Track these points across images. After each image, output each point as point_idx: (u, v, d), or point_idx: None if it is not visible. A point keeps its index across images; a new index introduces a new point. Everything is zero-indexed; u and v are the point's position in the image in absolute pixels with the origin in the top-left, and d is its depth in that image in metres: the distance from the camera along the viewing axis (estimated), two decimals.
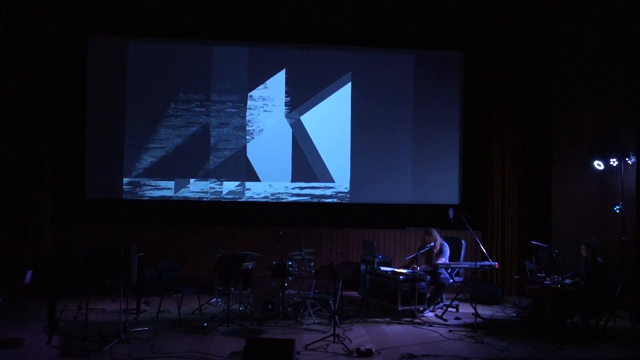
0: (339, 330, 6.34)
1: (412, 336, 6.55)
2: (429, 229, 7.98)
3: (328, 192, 9.66)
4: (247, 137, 9.54)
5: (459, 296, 7.80)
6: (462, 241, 8.29)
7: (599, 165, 8.48)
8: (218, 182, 9.46)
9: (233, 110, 9.52)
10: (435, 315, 7.54)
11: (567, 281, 7.13)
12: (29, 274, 6.06)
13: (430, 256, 7.89)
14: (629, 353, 6.15)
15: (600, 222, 8.71)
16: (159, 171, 9.35)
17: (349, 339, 6.20)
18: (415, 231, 9.51)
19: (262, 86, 9.57)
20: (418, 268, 7.68)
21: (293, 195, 9.58)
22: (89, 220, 8.31)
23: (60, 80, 9.03)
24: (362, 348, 5.79)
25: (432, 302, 7.76)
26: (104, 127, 9.25)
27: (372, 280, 7.98)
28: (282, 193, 9.57)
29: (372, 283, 7.97)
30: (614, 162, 8.20)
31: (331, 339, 6.05)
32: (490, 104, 9.65)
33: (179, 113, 9.41)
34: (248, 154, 9.53)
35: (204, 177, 9.43)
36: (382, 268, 8.04)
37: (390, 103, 9.79)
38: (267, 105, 9.59)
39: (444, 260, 7.82)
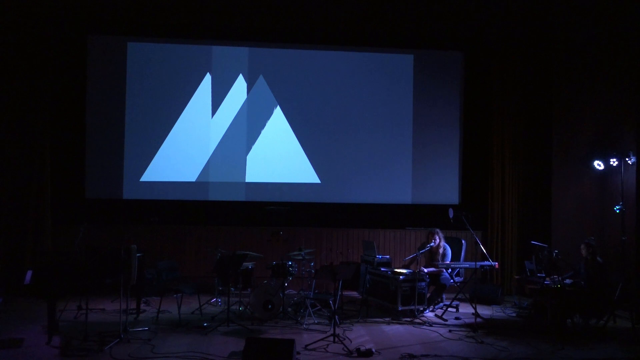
0: (339, 330, 6.34)
1: (412, 336, 6.55)
2: (434, 229, 7.97)
3: (328, 191, 9.65)
4: (247, 136, 9.54)
5: (459, 296, 7.80)
6: (462, 241, 8.29)
7: (599, 165, 8.48)
8: (218, 182, 9.46)
9: (233, 110, 9.52)
10: (435, 315, 7.54)
11: (567, 281, 7.12)
12: (29, 273, 6.06)
13: (434, 257, 7.88)
14: (629, 353, 6.15)
15: (600, 222, 8.71)
16: (159, 171, 9.35)
17: (349, 339, 6.20)
18: (415, 231, 9.52)
19: (261, 86, 9.57)
20: (425, 270, 7.69)
21: (292, 194, 9.57)
22: (89, 220, 8.30)
23: (60, 80, 9.04)
24: (362, 348, 5.79)
25: (432, 302, 7.75)
26: (104, 127, 9.25)
27: (372, 280, 7.98)
28: (281, 192, 9.56)
29: (372, 283, 7.97)
30: (614, 162, 8.19)
31: (331, 339, 6.05)
32: (490, 104, 9.66)
33: (179, 113, 9.40)
34: (248, 154, 9.53)
35: (204, 177, 9.43)
36: (382, 268, 8.05)
37: (390, 103, 9.79)
38: (267, 105, 9.58)
39: (446, 263, 7.82)
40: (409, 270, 7.73)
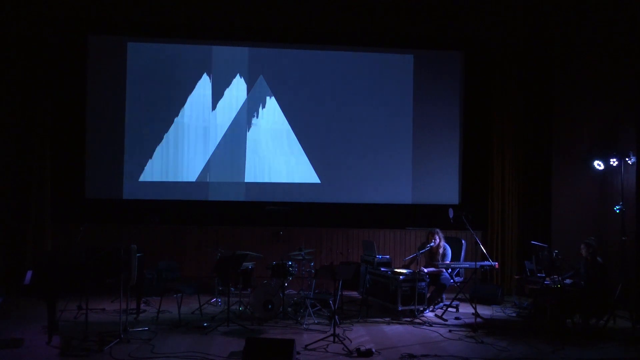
0: (339, 330, 6.34)
1: (412, 336, 6.55)
2: (434, 229, 7.97)
3: (328, 191, 9.65)
4: (247, 136, 9.54)
5: (459, 296, 7.79)
6: (462, 241, 8.29)
7: (599, 165, 8.48)
8: (218, 182, 9.45)
9: (233, 110, 9.52)
10: (435, 315, 7.54)
11: (567, 281, 7.12)
12: (29, 274, 6.06)
13: (434, 257, 7.88)
14: (629, 353, 6.15)
15: (600, 222, 8.71)
16: (159, 171, 9.35)
17: (349, 339, 6.20)
18: (415, 231, 9.52)
19: (261, 86, 9.57)
20: (425, 270, 7.69)
21: (293, 195, 9.57)
22: (89, 220, 8.32)
23: (60, 80, 9.04)
24: (362, 348, 5.79)
25: (432, 302, 7.75)
26: (104, 127, 9.25)
27: (372, 280, 7.98)
28: (282, 192, 9.56)
29: (372, 283, 7.97)
30: (614, 162, 8.20)
31: (331, 339, 6.05)
32: (490, 104, 9.66)
33: (179, 113, 9.40)
34: (248, 154, 9.53)
35: (204, 177, 9.43)
36: (382, 268, 8.04)
37: (390, 103, 9.80)
38: (266, 105, 9.58)
39: (446, 262, 7.82)
40: (409, 270, 7.73)
